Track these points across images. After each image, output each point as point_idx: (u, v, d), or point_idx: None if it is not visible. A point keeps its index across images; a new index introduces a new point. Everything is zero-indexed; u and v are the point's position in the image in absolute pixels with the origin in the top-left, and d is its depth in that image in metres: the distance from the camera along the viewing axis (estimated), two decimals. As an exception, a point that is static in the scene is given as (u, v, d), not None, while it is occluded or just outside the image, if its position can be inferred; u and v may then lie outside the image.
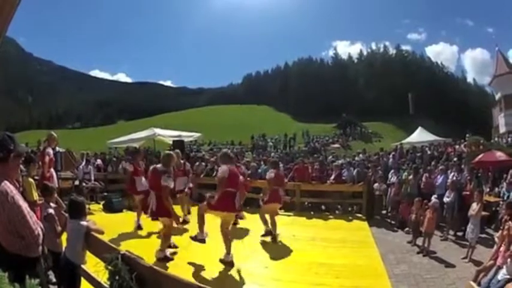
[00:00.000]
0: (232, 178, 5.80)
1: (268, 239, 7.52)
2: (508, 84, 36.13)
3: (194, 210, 8.80)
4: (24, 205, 2.67)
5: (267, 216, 7.64)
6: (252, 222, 8.42)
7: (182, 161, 8.89)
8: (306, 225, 9.38)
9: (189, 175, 9.04)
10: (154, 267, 2.83)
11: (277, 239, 7.46)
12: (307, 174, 11.68)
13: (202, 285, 2.49)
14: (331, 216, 10.41)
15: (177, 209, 8.56)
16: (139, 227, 7.91)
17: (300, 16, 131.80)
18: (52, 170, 7.47)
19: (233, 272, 5.53)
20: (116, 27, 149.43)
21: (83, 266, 3.69)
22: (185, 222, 8.40)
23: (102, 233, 3.77)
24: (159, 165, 6.03)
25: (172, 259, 5.97)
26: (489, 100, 48.41)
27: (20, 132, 44.84)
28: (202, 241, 5.95)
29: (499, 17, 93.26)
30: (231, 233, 6.38)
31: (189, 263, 5.80)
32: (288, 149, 35.54)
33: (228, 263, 5.70)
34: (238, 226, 8.46)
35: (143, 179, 7.91)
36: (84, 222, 3.73)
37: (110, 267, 2.79)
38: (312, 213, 10.86)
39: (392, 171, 11.67)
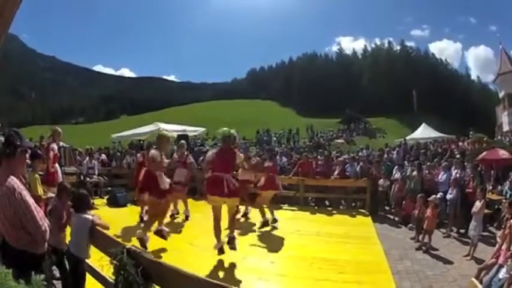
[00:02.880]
0: (218, 162, 5.73)
1: (270, 231, 7.77)
2: (511, 83, 35.97)
3: (193, 205, 8.89)
4: (31, 201, 2.68)
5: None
6: (255, 216, 8.47)
7: (185, 153, 8.74)
8: (309, 220, 9.40)
9: (189, 168, 8.56)
10: (160, 261, 2.84)
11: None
12: (311, 169, 11.70)
13: (207, 278, 2.51)
14: (334, 212, 10.42)
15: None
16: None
17: (303, 12, 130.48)
18: (57, 165, 7.51)
19: (238, 267, 5.56)
20: (119, 22, 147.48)
21: (87, 260, 3.71)
22: (187, 217, 8.49)
23: (107, 228, 3.79)
24: None
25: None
26: (492, 98, 48.15)
27: (24, 127, 44.80)
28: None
29: (502, 15, 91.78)
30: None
31: (194, 258, 5.84)
32: (292, 143, 35.51)
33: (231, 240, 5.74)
34: (242, 220, 8.52)
35: None
36: (89, 216, 3.74)
37: (115, 262, 2.80)
38: (315, 208, 10.88)
39: (396, 167, 11.63)
